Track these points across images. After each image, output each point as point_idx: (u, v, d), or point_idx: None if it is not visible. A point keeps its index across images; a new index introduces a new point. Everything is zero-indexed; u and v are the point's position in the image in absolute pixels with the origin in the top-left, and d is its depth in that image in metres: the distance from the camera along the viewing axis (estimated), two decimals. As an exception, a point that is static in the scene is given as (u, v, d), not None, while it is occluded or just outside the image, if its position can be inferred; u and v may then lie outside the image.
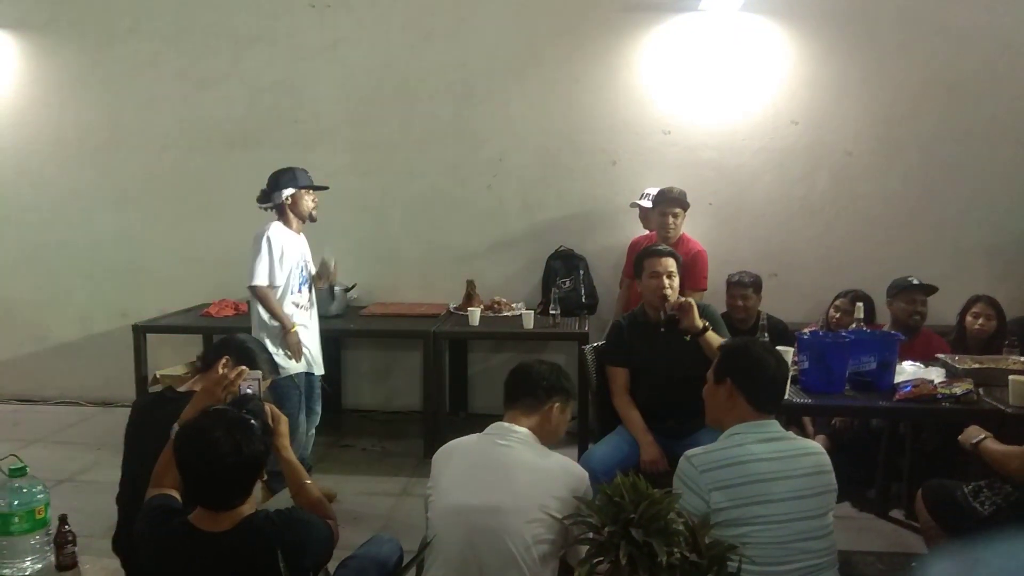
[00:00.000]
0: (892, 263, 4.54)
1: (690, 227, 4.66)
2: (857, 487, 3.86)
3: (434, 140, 5.16)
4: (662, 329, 3.27)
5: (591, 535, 1.60)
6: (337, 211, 5.21)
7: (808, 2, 4.84)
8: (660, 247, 3.54)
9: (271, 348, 3.47)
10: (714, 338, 3.13)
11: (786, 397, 2.86)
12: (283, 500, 2.38)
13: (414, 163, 5.19)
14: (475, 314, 4.51)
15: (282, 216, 3.77)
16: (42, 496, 2.20)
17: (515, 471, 2.09)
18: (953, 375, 3.23)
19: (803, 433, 3.98)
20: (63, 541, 2.20)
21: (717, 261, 4.60)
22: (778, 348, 2.75)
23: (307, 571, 1.92)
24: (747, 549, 1.89)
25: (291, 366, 3.67)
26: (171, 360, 4.87)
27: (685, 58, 4.94)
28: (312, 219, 3.84)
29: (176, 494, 2.06)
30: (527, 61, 5.05)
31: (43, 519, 2.20)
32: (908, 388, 3.05)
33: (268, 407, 2.22)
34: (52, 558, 2.20)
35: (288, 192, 3.72)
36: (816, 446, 2.22)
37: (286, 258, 3.70)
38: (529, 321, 4.43)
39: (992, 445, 2.53)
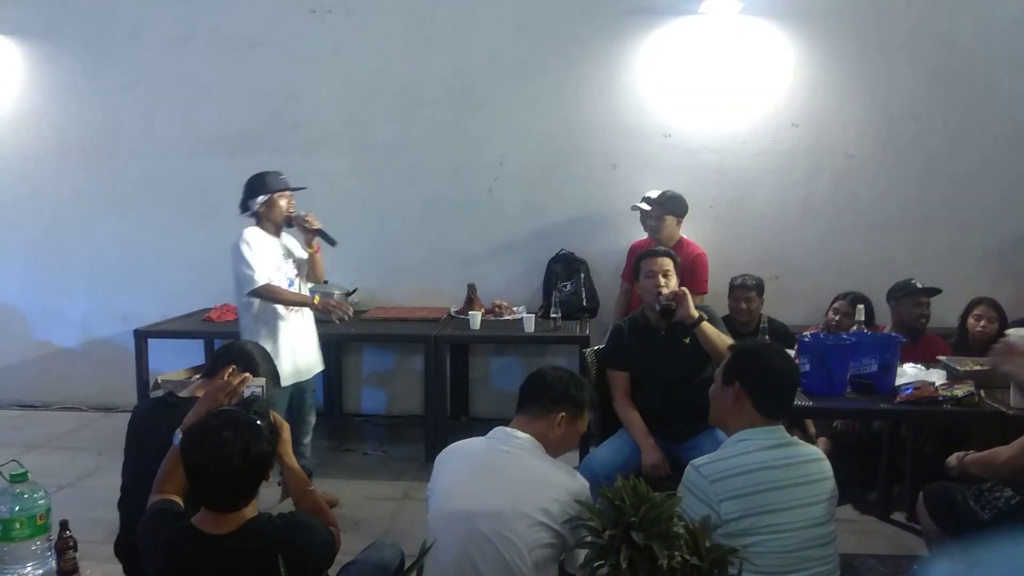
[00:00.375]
0: (893, 265, 4.54)
1: (691, 230, 4.66)
2: (859, 490, 3.86)
3: (434, 144, 5.16)
4: (663, 332, 3.27)
5: (591, 539, 1.59)
6: (338, 215, 5.20)
7: (808, 5, 4.85)
8: (656, 248, 3.56)
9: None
10: (710, 329, 3.14)
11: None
12: (285, 507, 2.38)
13: (415, 167, 5.19)
14: (476, 318, 4.51)
15: (260, 223, 3.70)
16: (43, 502, 2.21)
17: (515, 477, 2.09)
18: (954, 377, 3.23)
19: (805, 435, 3.97)
20: (64, 547, 2.21)
21: (718, 264, 4.60)
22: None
23: (308, 575, 1.92)
24: (754, 559, 1.89)
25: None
26: (173, 365, 4.87)
27: (685, 61, 4.95)
28: (290, 224, 3.75)
29: (179, 499, 2.06)
30: (527, 65, 5.05)
31: (44, 525, 2.20)
32: (909, 390, 3.05)
33: (271, 413, 2.22)
34: (53, 564, 2.21)
35: (261, 199, 3.65)
36: (818, 452, 2.20)
37: (266, 263, 3.61)
38: (530, 325, 4.43)
39: (974, 454, 2.51)
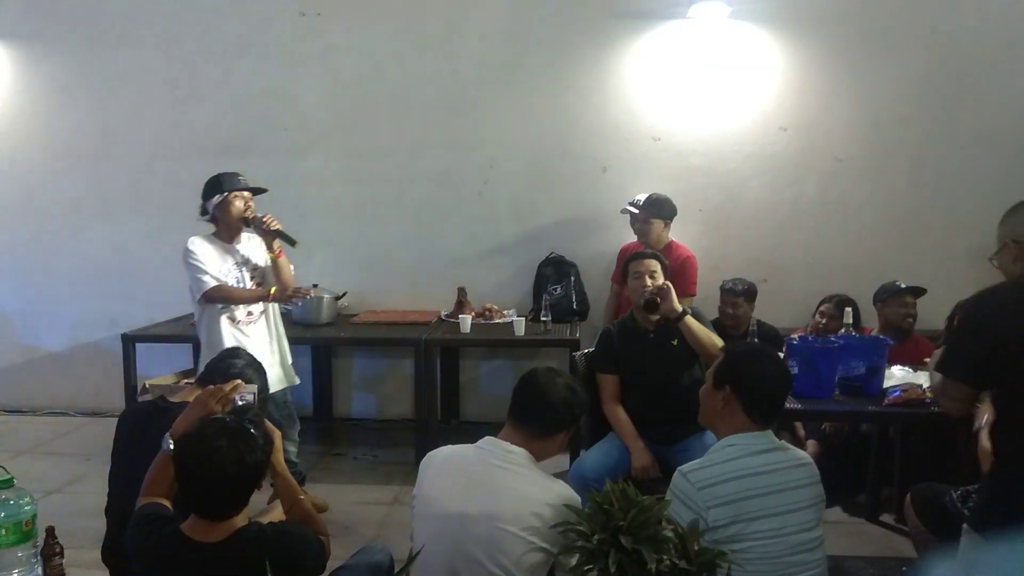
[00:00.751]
0: (881, 268, 4.56)
1: (680, 233, 4.68)
2: (847, 492, 3.87)
3: (425, 147, 5.16)
4: (651, 335, 3.28)
5: (581, 543, 1.59)
6: (327, 218, 5.23)
7: (796, 9, 4.87)
8: (644, 251, 3.58)
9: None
10: (694, 324, 3.16)
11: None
12: (275, 515, 2.37)
13: (405, 170, 5.19)
14: (466, 321, 4.51)
15: (217, 227, 3.58)
16: (29, 508, 2.18)
17: (506, 482, 2.07)
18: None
19: (794, 438, 3.99)
20: (51, 553, 2.19)
21: (707, 267, 4.61)
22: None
23: (298, 584, 1.92)
24: (742, 564, 1.89)
25: None
26: (161, 369, 4.84)
27: (674, 65, 4.96)
28: (246, 223, 3.57)
29: (167, 503, 2.05)
30: (517, 68, 5.06)
31: (30, 531, 2.18)
32: (897, 392, 3.06)
33: (264, 421, 2.22)
34: (40, 570, 2.18)
35: (216, 200, 3.51)
36: (805, 456, 2.20)
37: (214, 270, 3.48)
38: (520, 328, 4.43)
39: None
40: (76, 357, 5.54)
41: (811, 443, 3.98)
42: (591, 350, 3.52)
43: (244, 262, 3.60)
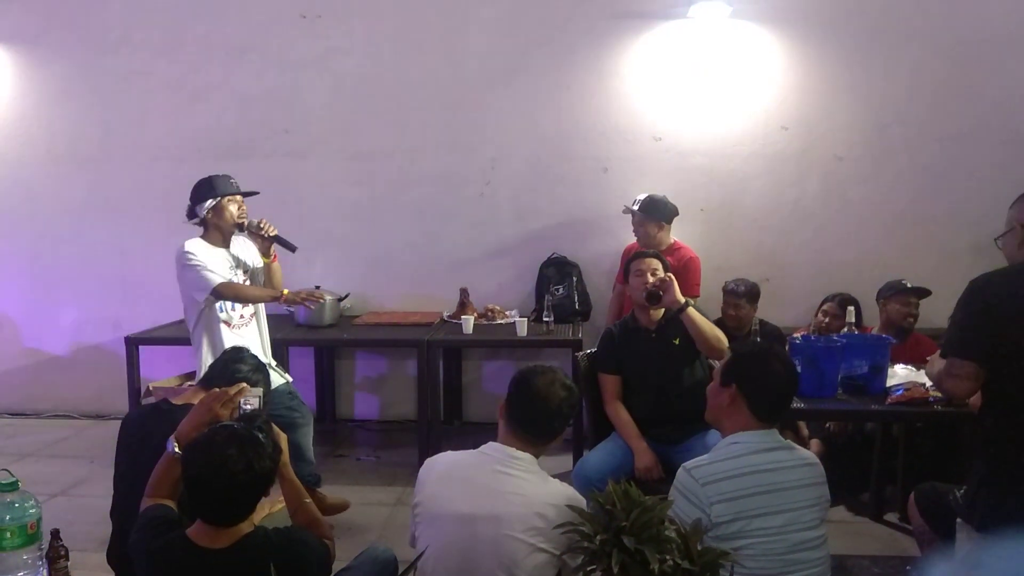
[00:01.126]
0: (883, 267, 4.56)
1: (682, 233, 4.68)
2: (851, 491, 3.87)
3: (425, 149, 5.17)
4: (653, 335, 3.29)
5: (584, 543, 1.60)
6: (329, 220, 5.24)
7: (797, 8, 4.87)
8: (646, 250, 3.59)
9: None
10: (696, 315, 3.16)
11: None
12: (281, 519, 2.37)
13: (405, 172, 5.19)
14: (468, 322, 4.51)
15: (207, 231, 3.48)
16: (34, 511, 2.19)
17: (511, 484, 2.06)
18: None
19: (798, 437, 3.99)
20: (55, 556, 2.20)
21: (709, 267, 4.61)
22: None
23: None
24: (744, 561, 1.89)
25: None
26: (164, 372, 4.86)
27: (675, 65, 4.96)
28: (240, 228, 3.50)
29: (172, 504, 2.05)
30: (517, 69, 5.06)
31: (35, 534, 2.19)
32: (900, 391, 3.06)
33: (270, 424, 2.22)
34: (45, 573, 2.19)
35: (209, 204, 3.42)
36: (811, 456, 2.20)
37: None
38: (522, 329, 4.43)
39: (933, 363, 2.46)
40: (79, 360, 5.55)
41: (814, 442, 3.98)
42: (593, 350, 3.52)
43: (236, 266, 3.55)
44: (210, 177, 3.48)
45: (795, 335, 3.54)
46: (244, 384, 2.31)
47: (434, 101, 5.12)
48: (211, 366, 2.68)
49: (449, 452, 2.25)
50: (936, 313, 4.22)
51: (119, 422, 2.59)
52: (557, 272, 4.97)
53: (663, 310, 3.30)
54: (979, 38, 4.79)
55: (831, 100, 4.93)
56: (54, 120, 5.43)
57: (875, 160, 4.94)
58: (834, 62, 4.90)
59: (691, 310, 3.16)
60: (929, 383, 3.13)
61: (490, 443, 2.17)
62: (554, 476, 2.16)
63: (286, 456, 2.24)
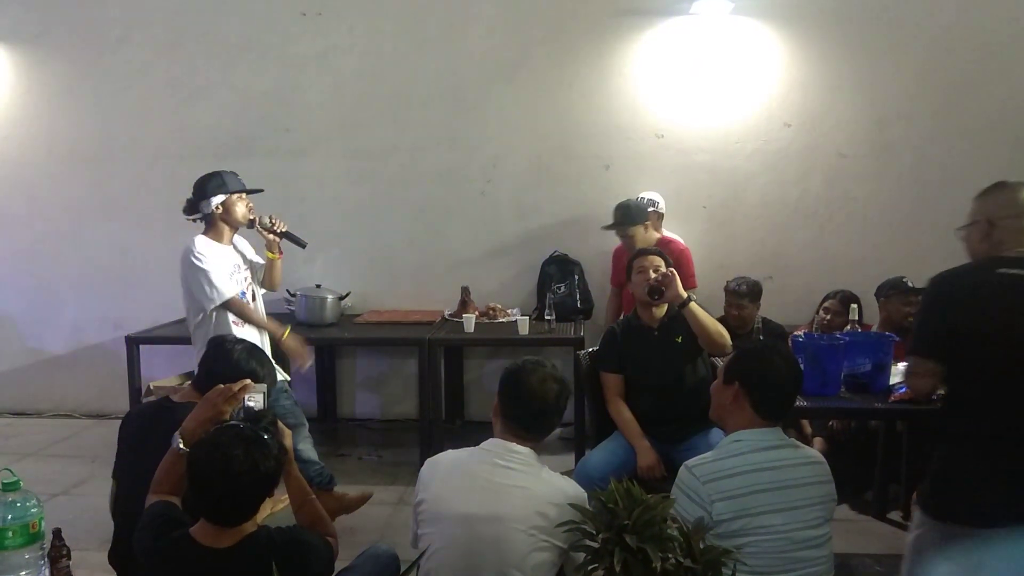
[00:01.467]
0: (886, 264, 4.54)
1: (685, 230, 4.68)
2: (855, 489, 3.86)
3: (427, 147, 5.16)
4: (655, 333, 3.28)
5: (586, 542, 1.59)
6: (330, 219, 5.23)
7: (799, 5, 4.86)
8: (648, 248, 3.60)
9: None
10: (698, 310, 3.16)
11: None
12: (286, 517, 2.36)
13: (407, 170, 5.18)
14: (470, 321, 4.50)
15: (211, 227, 3.45)
16: (36, 510, 2.19)
17: (512, 483, 2.07)
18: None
19: (801, 435, 3.98)
20: (57, 555, 2.19)
21: (712, 264, 4.61)
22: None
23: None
24: (746, 559, 1.89)
25: None
26: (165, 371, 4.85)
27: (677, 62, 4.95)
28: (250, 225, 3.51)
29: (176, 501, 2.05)
30: (519, 67, 5.05)
31: (37, 533, 2.18)
32: (903, 389, 3.04)
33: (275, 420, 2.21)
34: (47, 572, 2.19)
35: (218, 200, 3.40)
36: (817, 455, 2.19)
37: (221, 275, 3.41)
38: (524, 327, 4.42)
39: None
40: (80, 359, 5.55)
41: (817, 440, 3.97)
42: (595, 349, 3.51)
43: (240, 263, 3.54)
44: (219, 172, 3.46)
45: (797, 333, 3.53)
46: (247, 380, 2.30)
47: (435, 99, 5.11)
48: (207, 363, 2.56)
49: (450, 451, 2.25)
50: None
51: (120, 421, 2.58)
52: (559, 270, 4.96)
53: (665, 308, 3.30)
54: (984, 34, 4.78)
55: (834, 97, 4.91)
56: (54, 119, 5.43)
57: (878, 157, 4.93)
58: (837, 58, 4.88)
59: (693, 305, 3.16)
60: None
61: (490, 439, 2.19)
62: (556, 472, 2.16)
63: (291, 453, 2.23)
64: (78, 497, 4.05)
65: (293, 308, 4.71)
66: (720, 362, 2.74)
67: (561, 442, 4.67)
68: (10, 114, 5.46)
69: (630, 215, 4.40)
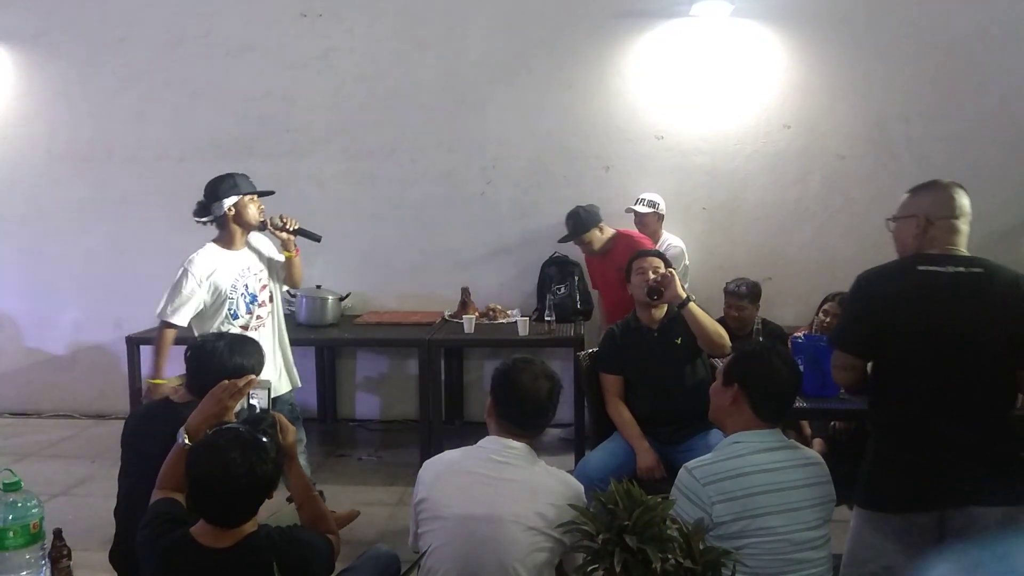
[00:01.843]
0: (885, 265, 4.55)
1: (684, 231, 4.68)
2: (854, 490, 3.85)
3: (427, 148, 5.16)
4: (655, 334, 3.28)
5: (586, 542, 1.60)
6: (330, 220, 5.19)
7: (799, 7, 4.87)
8: (648, 249, 3.61)
9: None
10: (698, 311, 3.17)
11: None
12: (287, 515, 2.37)
13: (407, 171, 5.19)
14: (470, 321, 4.50)
15: (223, 230, 3.41)
16: (37, 510, 2.19)
17: (511, 482, 2.08)
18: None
19: (801, 436, 3.97)
20: (58, 555, 2.20)
21: (711, 266, 4.61)
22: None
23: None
24: (746, 561, 1.89)
25: None
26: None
27: (677, 63, 4.96)
28: (262, 227, 3.47)
29: (181, 498, 2.06)
30: (519, 68, 5.06)
31: (38, 533, 2.19)
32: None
33: (278, 416, 2.22)
34: (47, 573, 2.19)
35: (230, 201, 3.34)
36: (816, 456, 2.20)
37: (218, 286, 3.34)
38: (524, 328, 4.42)
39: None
40: (80, 360, 5.55)
41: (817, 441, 3.96)
42: (595, 350, 3.51)
43: (251, 264, 3.49)
44: (231, 174, 3.42)
45: (797, 334, 3.53)
46: (252, 376, 2.31)
47: (435, 100, 5.12)
48: (200, 362, 2.54)
49: (448, 451, 2.27)
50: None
51: (120, 421, 2.60)
52: (558, 271, 4.97)
53: (665, 310, 3.30)
54: (981, 36, 4.79)
55: (833, 98, 4.92)
56: (55, 119, 5.43)
57: (877, 159, 4.94)
58: (836, 60, 4.89)
59: (692, 305, 3.17)
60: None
61: (487, 437, 2.21)
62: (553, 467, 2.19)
63: (295, 449, 2.23)
64: (78, 497, 4.05)
65: (293, 309, 4.71)
66: (719, 363, 2.74)
67: (561, 443, 4.68)
68: (10, 115, 5.46)
69: (581, 223, 4.39)
